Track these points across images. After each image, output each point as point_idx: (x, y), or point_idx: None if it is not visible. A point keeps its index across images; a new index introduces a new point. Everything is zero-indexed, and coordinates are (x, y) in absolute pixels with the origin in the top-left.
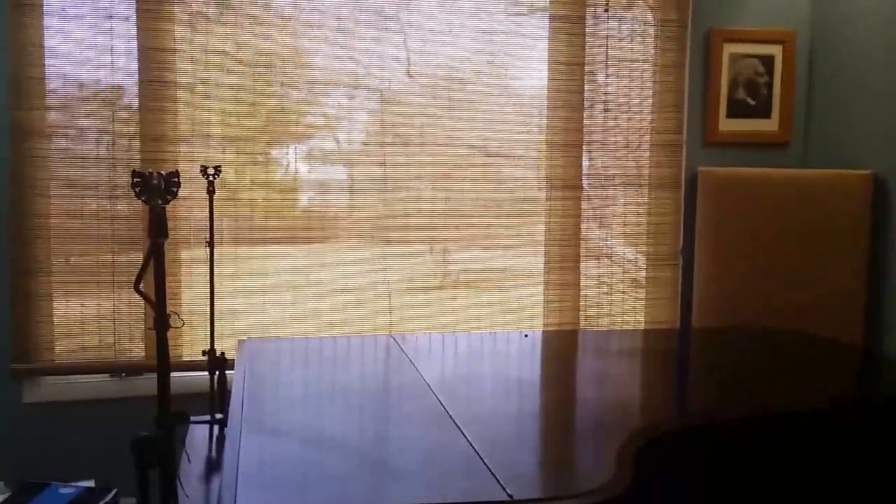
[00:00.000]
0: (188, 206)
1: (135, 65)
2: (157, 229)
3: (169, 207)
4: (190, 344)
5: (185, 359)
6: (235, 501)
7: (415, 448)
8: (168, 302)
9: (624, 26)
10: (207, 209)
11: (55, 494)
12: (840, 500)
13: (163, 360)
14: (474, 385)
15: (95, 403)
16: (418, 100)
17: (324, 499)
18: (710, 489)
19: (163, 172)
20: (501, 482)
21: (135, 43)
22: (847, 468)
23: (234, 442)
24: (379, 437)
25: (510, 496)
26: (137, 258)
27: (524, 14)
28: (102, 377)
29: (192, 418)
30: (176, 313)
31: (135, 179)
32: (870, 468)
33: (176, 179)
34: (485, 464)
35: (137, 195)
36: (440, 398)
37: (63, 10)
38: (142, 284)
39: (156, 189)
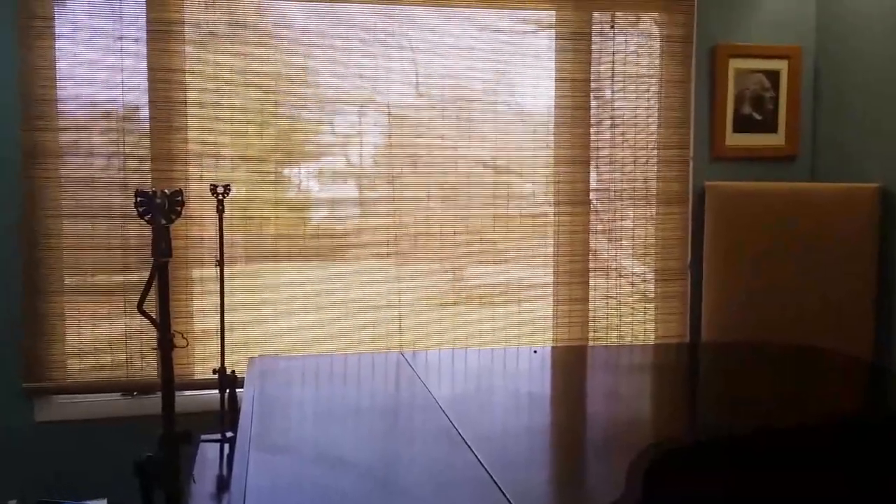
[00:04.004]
0: (200, 225)
1: (145, 85)
2: (161, 248)
3: (181, 226)
4: (202, 362)
5: (196, 377)
6: None
7: (425, 466)
8: (179, 320)
9: (630, 43)
10: (216, 227)
11: None
12: None
13: (167, 381)
14: (484, 402)
15: (107, 422)
16: (427, 117)
17: None
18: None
19: (167, 191)
20: (511, 500)
21: (145, 64)
22: (858, 484)
23: (242, 460)
24: (388, 456)
25: None
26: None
27: (531, 31)
28: (114, 396)
29: (203, 436)
30: (180, 333)
31: (138, 199)
32: (880, 484)
33: (179, 198)
34: (494, 481)
35: (141, 215)
36: (450, 416)
37: (74, 31)
38: (152, 304)
39: (159, 208)
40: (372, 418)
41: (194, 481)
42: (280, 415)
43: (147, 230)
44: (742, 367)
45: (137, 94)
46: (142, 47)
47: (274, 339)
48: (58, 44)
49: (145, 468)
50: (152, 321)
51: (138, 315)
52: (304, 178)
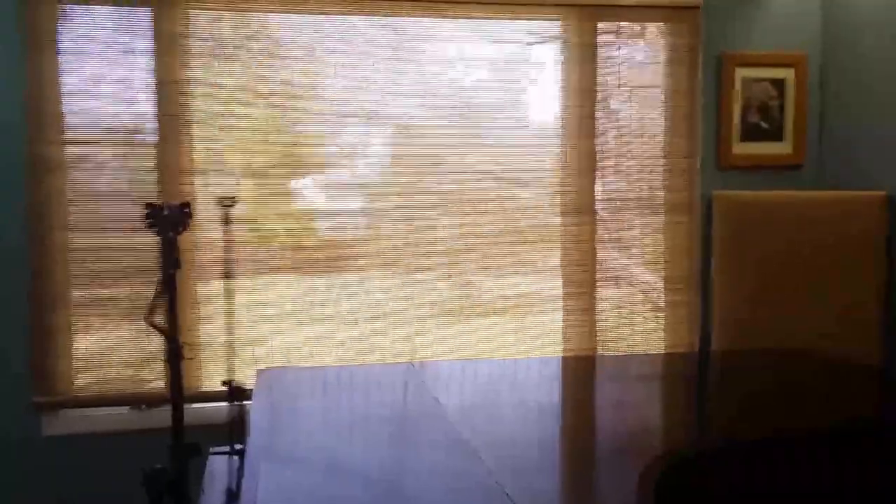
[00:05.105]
0: (207, 238)
1: (152, 99)
2: (169, 260)
3: (187, 238)
4: (209, 375)
5: (204, 389)
6: None
7: (434, 475)
8: (186, 333)
9: (636, 52)
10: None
11: None
12: None
13: (176, 392)
14: (493, 412)
15: (116, 436)
16: (433, 128)
17: None
18: None
19: (174, 204)
20: None
21: (152, 77)
22: (871, 491)
23: (253, 471)
24: (398, 466)
25: None
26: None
27: (537, 42)
28: (122, 409)
29: (212, 449)
30: (188, 344)
31: (147, 211)
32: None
33: (187, 210)
34: (504, 491)
35: (149, 227)
36: (459, 426)
37: (80, 45)
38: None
39: (168, 221)
40: (381, 428)
41: (203, 492)
42: (289, 426)
43: (155, 242)
44: (754, 376)
45: (144, 107)
46: (148, 61)
47: (281, 351)
48: (63, 58)
49: (154, 480)
50: (161, 332)
51: (146, 328)
52: (311, 191)
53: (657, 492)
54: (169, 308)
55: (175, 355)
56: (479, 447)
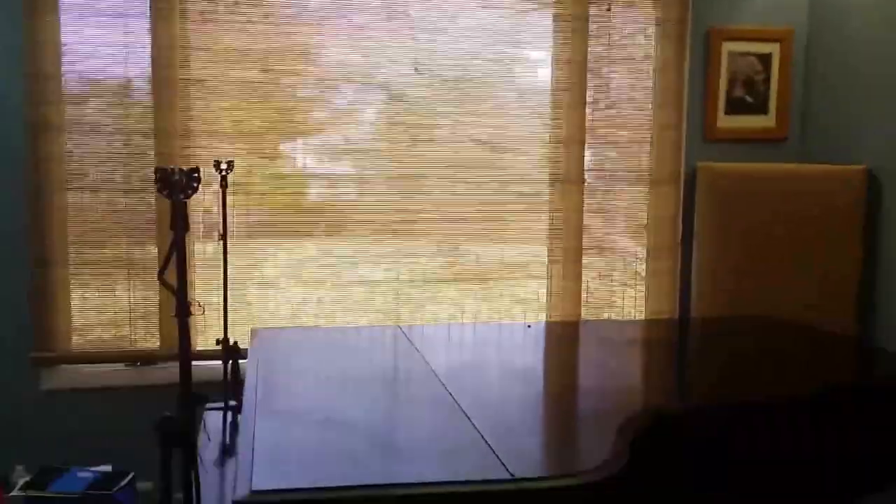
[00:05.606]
0: (198, 200)
1: (148, 61)
2: (181, 223)
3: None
4: (203, 334)
5: (197, 349)
6: (252, 475)
7: (422, 431)
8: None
9: (626, 24)
10: (216, 203)
11: (74, 478)
12: (837, 486)
13: (184, 345)
14: (479, 373)
15: (111, 391)
16: (425, 95)
17: (337, 474)
18: (710, 472)
19: (184, 168)
20: (504, 462)
21: (148, 39)
22: (846, 454)
23: (249, 423)
24: (388, 421)
25: (511, 474)
26: (152, 251)
27: (529, 11)
28: (118, 366)
29: (207, 405)
30: (197, 301)
31: (157, 176)
32: (866, 454)
33: (196, 175)
34: (488, 445)
35: (159, 190)
36: (446, 385)
37: (79, 6)
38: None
39: (178, 185)
40: (371, 387)
41: (209, 439)
42: (283, 383)
43: (150, 204)
44: (734, 341)
45: (140, 69)
46: (145, 23)
47: (272, 313)
48: (62, 20)
49: (166, 427)
50: (170, 289)
51: (142, 288)
52: (303, 155)
53: (633, 445)
54: (178, 268)
55: (184, 312)
56: (464, 404)
